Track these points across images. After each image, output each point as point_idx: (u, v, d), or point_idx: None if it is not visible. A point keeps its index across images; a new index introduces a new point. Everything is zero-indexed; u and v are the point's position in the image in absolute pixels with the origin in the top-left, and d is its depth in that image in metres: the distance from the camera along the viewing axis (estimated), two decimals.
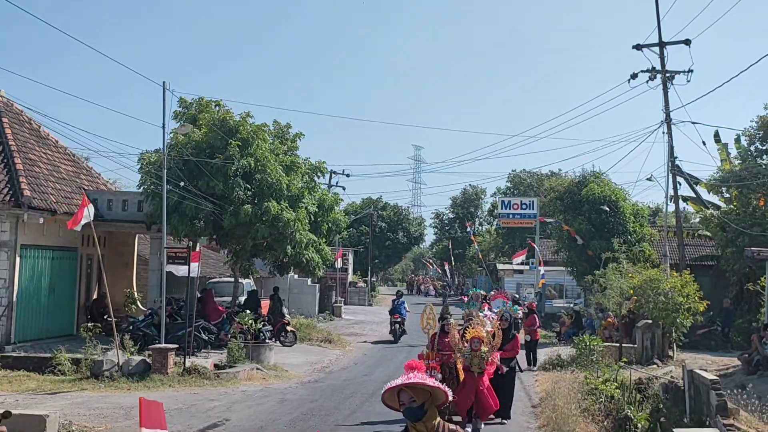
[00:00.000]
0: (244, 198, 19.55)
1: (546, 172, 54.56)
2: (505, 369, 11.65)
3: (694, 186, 26.50)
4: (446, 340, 11.73)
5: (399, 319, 26.15)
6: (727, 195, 25.28)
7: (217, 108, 21.42)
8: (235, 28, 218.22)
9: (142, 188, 20.09)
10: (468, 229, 58.83)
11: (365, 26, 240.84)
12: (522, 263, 38.67)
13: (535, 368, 18.81)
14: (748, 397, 11.37)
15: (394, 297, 27.94)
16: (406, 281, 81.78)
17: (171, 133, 20.13)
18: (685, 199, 27.18)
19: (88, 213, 15.93)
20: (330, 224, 23.73)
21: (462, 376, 11.23)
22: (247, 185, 19.78)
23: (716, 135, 27.03)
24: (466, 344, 10.93)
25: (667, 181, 24.24)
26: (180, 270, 17.29)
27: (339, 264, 38.65)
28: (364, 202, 61.70)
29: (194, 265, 17.52)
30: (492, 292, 29.93)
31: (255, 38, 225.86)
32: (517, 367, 12.57)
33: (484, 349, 10.73)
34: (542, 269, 33.56)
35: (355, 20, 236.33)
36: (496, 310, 18.62)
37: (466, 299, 29.31)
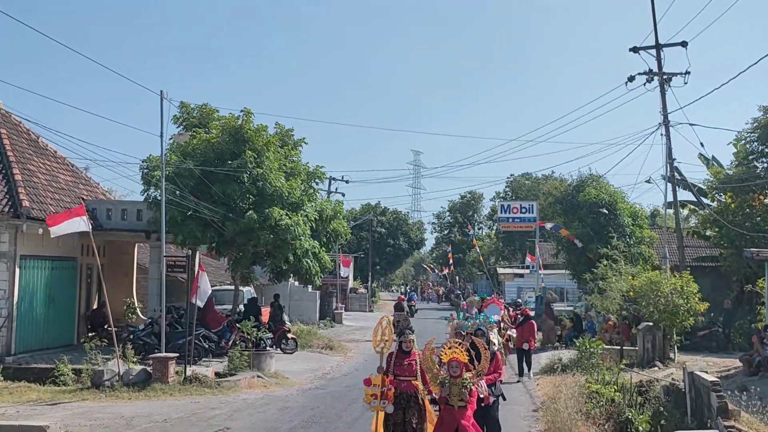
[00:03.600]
0: (247, 205, 19.52)
1: (544, 174, 54.62)
2: (492, 399, 9.37)
3: (692, 188, 26.57)
4: (405, 362, 9.18)
5: (413, 304, 39.43)
6: (723, 199, 25.29)
7: (233, 114, 21.21)
8: (232, 33, 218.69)
9: (145, 195, 19.90)
10: (470, 233, 58.65)
11: (363, 32, 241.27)
12: (527, 267, 39.04)
13: (529, 375, 18.13)
14: (749, 399, 11.34)
15: (404, 292, 38.14)
16: (410, 286, 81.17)
17: (170, 139, 20.10)
18: (683, 204, 27.23)
19: (82, 223, 15.85)
20: (330, 234, 23.61)
21: (429, 407, 9.20)
22: (250, 192, 19.77)
23: (700, 156, 27.35)
24: (443, 370, 8.65)
25: (666, 183, 24.26)
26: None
27: (347, 273, 39.84)
28: (363, 208, 61.64)
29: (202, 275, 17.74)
30: (474, 295, 29.91)
31: (252, 44, 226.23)
32: (501, 396, 10.30)
33: (466, 375, 8.48)
34: (542, 273, 33.45)
35: (352, 26, 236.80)
36: (493, 316, 18.42)
37: (465, 306, 29.33)
